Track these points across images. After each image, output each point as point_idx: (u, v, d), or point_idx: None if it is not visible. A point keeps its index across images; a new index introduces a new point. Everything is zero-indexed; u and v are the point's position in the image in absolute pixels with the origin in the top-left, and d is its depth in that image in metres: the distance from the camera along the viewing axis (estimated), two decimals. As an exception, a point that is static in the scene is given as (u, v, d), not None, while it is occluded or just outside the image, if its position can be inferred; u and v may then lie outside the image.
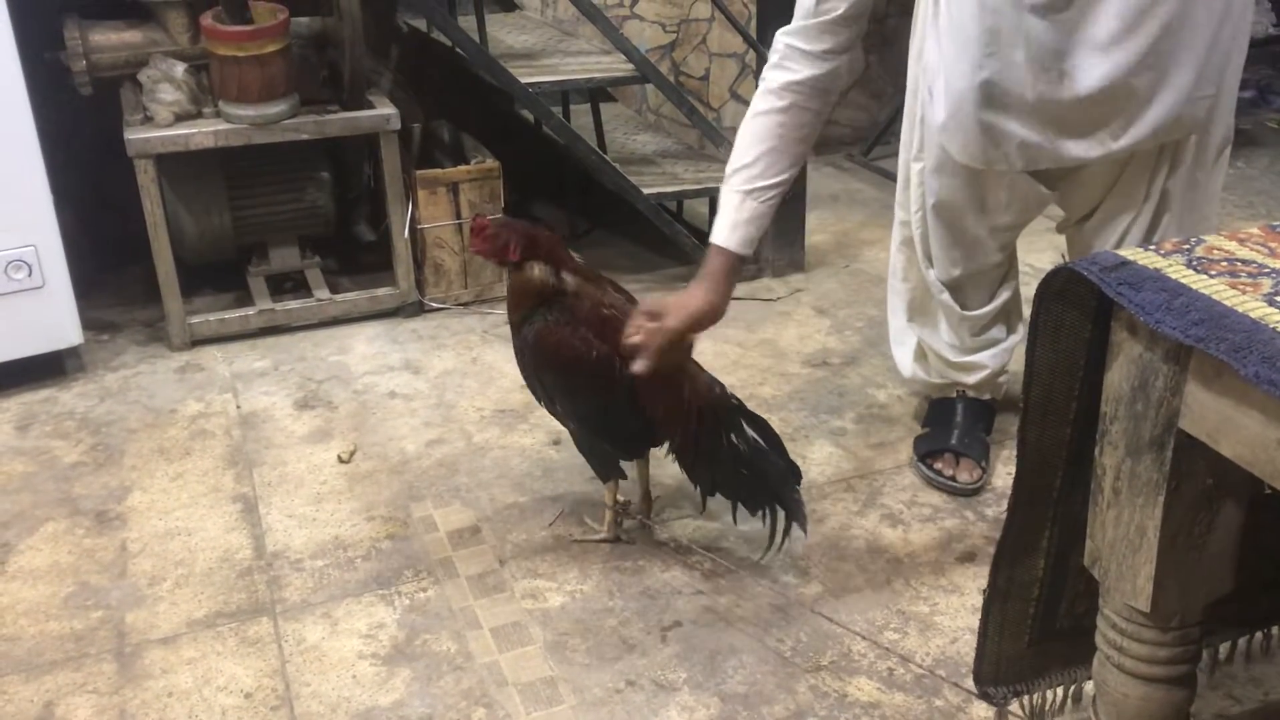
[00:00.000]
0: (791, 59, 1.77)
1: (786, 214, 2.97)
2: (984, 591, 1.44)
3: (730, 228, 1.80)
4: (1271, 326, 1.05)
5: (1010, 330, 2.13)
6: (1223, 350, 1.05)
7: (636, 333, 1.76)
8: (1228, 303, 1.10)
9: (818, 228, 3.22)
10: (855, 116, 4.00)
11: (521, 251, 1.80)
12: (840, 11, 1.74)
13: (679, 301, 1.79)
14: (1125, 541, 1.26)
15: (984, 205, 1.93)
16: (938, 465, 2.11)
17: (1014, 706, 1.52)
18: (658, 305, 1.80)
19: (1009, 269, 2.07)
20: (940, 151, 1.89)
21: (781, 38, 1.79)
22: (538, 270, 1.80)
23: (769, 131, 1.79)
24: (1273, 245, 1.22)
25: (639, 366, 1.75)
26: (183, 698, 1.64)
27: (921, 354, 2.19)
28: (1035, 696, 1.53)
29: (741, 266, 1.83)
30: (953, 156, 1.86)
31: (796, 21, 1.78)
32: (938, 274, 2.05)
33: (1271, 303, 1.09)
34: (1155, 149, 1.80)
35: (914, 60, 1.93)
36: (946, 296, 2.06)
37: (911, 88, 1.95)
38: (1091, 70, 1.66)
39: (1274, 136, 4.10)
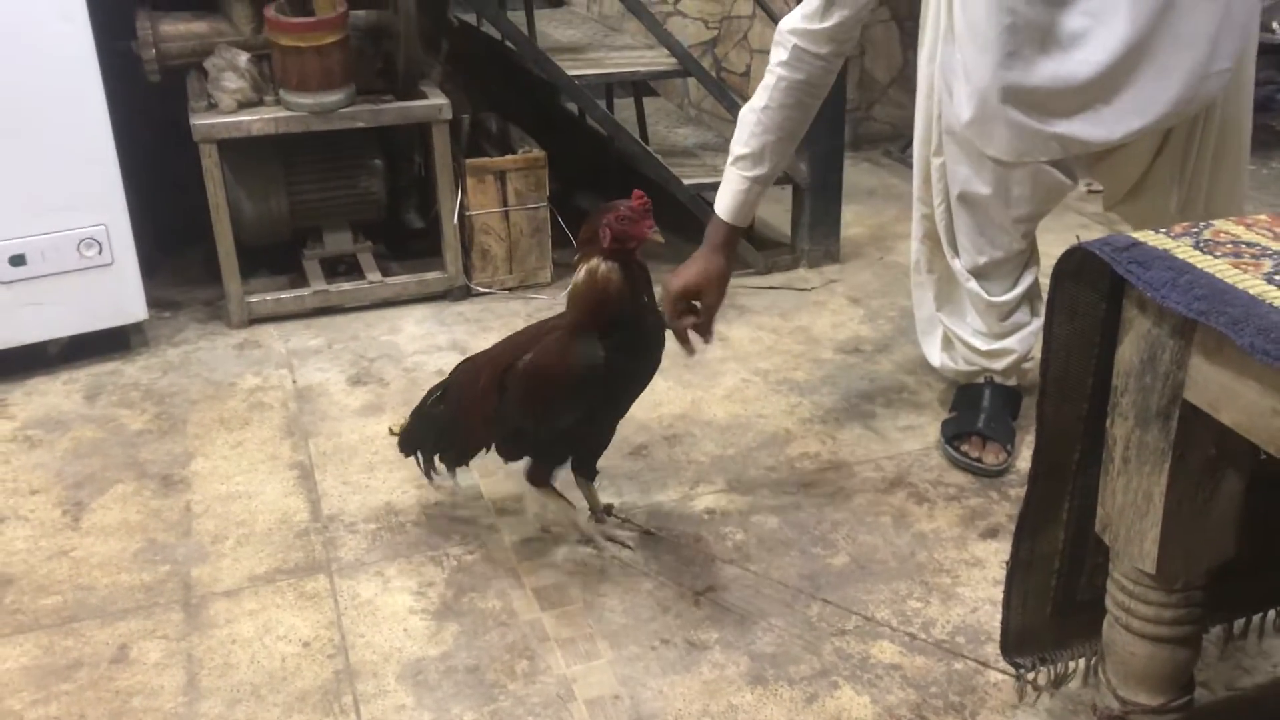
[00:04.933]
0: (801, 59, 1.95)
1: (823, 207, 3.06)
2: (1007, 563, 1.52)
3: (738, 207, 2.02)
4: (1268, 302, 1.13)
5: (1034, 314, 2.20)
6: (1222, 323, 1.13)
7: (682, 316, 1.95)
8: (1229, 280, 1.17)
9: (854, 221, 3.30)
10: (893, 114, 4.07)
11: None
12: (844, 17, 1.91)
13: (707, 275, 1.98)
14: (1133, 507, 1.33)
15: (1008, 196, 2.01)
16: (964, 447, 2.19)
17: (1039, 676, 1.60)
18: (690, 285, 1.97)
19: (1031, 254, 2.15)
20: (964, 145, 1.97)
21: (790, 37, 1.95)
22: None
23: (776, 125, 1.99)
24: (1277, 230, 1.29)
25: (702, 346, 1.97)
26: (245, 645, 1.75)
27: (949, 343, 2.27)
28: (1058, 666, 1.61)
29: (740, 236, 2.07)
30: (979, 150, 1.95)
31: (802, 21, 1.94)
32: (964, 263, 2.13)
33: (1270, 281, 1.16)
34: (1183, 128, 1.88)
35: (925, 61, 2.02)
36: (974, 284, 2.13)
37: (925, 88, 2.05)
38: (1106, 45, 1.76)
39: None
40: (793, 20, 1.95)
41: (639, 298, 1.77)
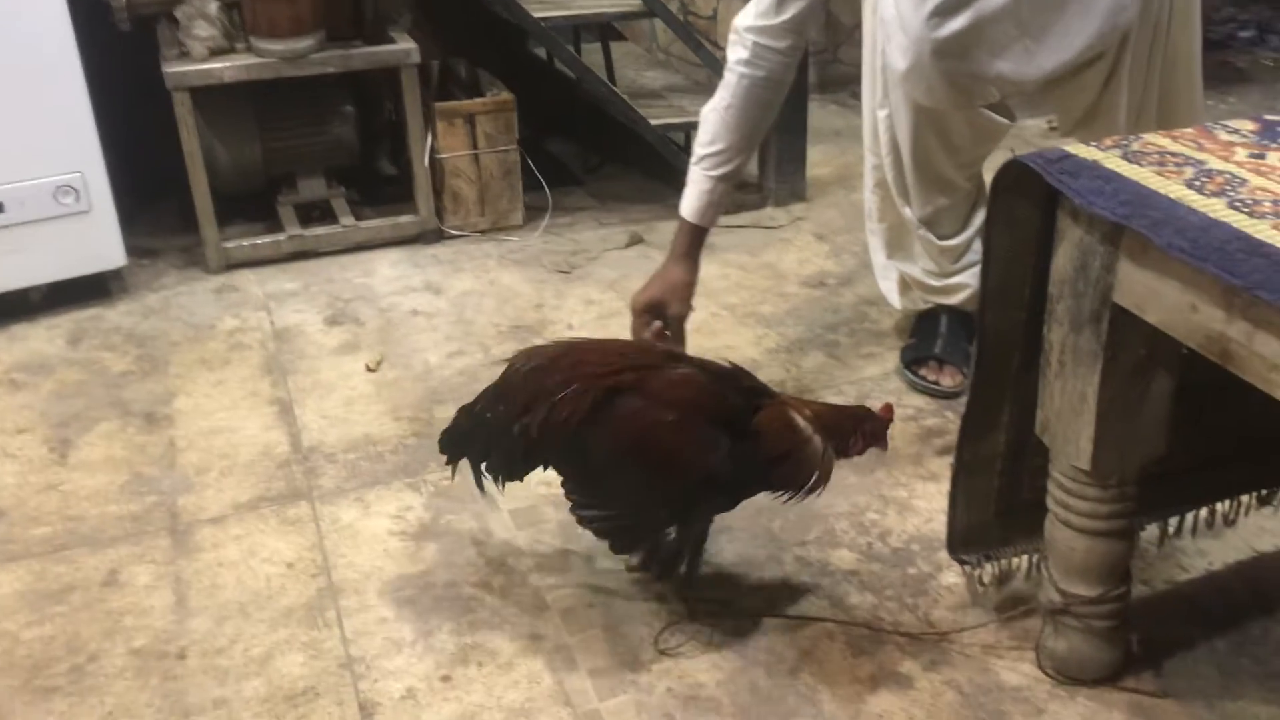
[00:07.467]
0: (761, 56, 1.97)
1: (789, 147, 3.12)
2: (952, 465, 1.61)
3: (705, 208, 2.06)
4: (1187, 205, 1.20)
5: (985, 250, 2.27)
6: (1143, 225, 1.21)
7: (644, 331, 1.98)
8: (1152, 186, 1.25)
9: (820, 161, 3.36)
10: (860, 56, 4.12)
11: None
12: (799, 9, 1.93)
13: (671, 286, 2.02)
14: (1070, 408, 1.41)
15: (949, 143, 2.06)
16: (922, 371, 2.27)
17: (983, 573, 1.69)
18: (653, 299, 2.00)
19: (979, 194, 2.20)
20: (904, 97, 2.02)
21: (748, 35, 1.97)
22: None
23: (739, 122, 2.01)
24: (1202, 142, 1.36)
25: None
26: (231, 567, 1.82)
27: (905, 285, 2.34)
28: (1003, 562, 1.69)
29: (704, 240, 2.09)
30: (917, 101, 1.99)
31: (757, 18, 1.96)
32: (915, 211, 2.18)
33: (1190, 186, 1.24)
34: (1128, 56, 1.92)
35: (869, 14, 2.05)
36: (924, 231, 2.19)
37: (869, 41, 2.09)
38: None
39: (1269, 74, 4.20)
40: (747, 18, 1.97)
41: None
